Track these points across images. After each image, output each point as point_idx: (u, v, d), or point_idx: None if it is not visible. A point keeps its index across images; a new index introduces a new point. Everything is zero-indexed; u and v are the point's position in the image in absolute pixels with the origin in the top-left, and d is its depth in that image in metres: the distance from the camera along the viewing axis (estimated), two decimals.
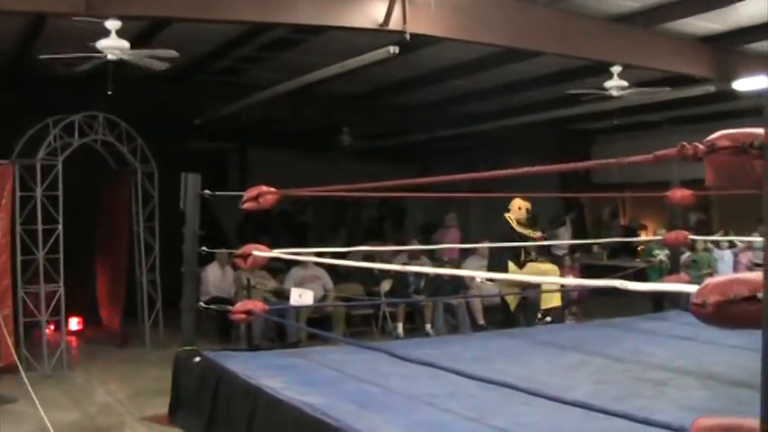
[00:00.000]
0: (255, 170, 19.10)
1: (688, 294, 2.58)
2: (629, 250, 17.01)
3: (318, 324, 11.80)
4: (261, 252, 6.18)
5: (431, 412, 4.26)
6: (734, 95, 13.29)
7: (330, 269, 12.34)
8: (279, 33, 11.68)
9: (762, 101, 2.17)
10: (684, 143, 2.74)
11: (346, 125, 18.56)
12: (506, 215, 10.58)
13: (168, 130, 15.07)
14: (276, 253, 6.46)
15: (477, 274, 11.49)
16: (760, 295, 2.21)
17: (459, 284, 13.14)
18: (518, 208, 10.54)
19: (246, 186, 6.46)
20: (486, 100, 16.53)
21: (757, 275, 2.26)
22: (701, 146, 2.63)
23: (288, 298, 10.65)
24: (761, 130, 2.26)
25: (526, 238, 10.41)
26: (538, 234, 10.75)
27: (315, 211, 21.86)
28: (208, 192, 6.19)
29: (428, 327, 12.59)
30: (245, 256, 6.17)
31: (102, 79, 10.31)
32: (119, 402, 8.70)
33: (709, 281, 2.51)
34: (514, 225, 10.45)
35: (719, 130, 2.57)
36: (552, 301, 10.68)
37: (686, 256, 13.18)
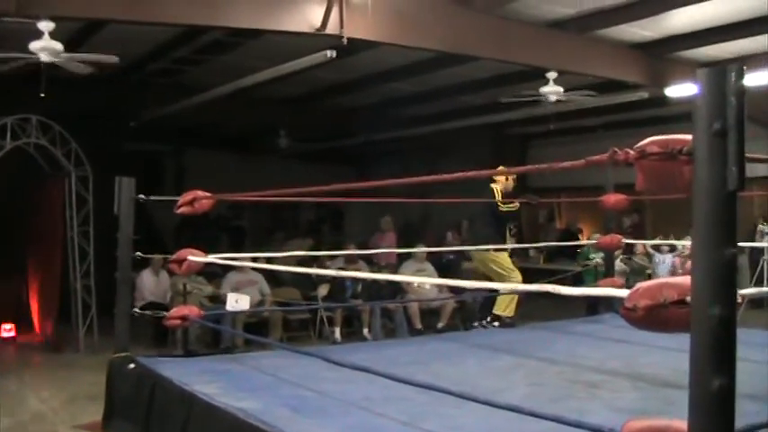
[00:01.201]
0: (192, 173, 18.99)
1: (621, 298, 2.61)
2: (567, 253, 17.18)
3: (256, 329, 11.74)
4: (196, 257, 6.12)
5: (365, 416, 4.26)
6: (667, 101, 13.51)
7: (267, 273, 12.27)
8: (216, 36, 11.64)
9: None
10: (616, 149, 2.78)
11: (284, 128, 18.54)
12: (493, 186, 10.17)
13: (103, 132, 14.90)
14: (211, 258, 6.41)
15: (414, 279, 11.51)
16: (689, 299, 2.25)
17: (397, 288, 13.16)
18: (505, 179, 10.12)
19: (183, 189, 6.38)
20: (423, 104, 16.63)
21: (686, 279, 2.29)
22: (631, 151, 2.66)
23: (225, 303, 10.60)
24: (689, 137, 2.30)
25: (507, 214, 10.22)
26: (515, 205, 10.52)
27: (252, 214, 21.77)
28: (142, 196, 6.12)
29: (366, 331, 12.59)
30: (180, 262, 6.11)
31: (35, 81, 10.17)
32: (51, 410, 8.56)
33: (639, 285, 2.54)
34: (499, 197, 10.20)
35: (653, 135, 2.61)
36: (505, 308, 10.41)
37: (621, 266, 13.33)
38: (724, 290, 2.12)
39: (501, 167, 10.32)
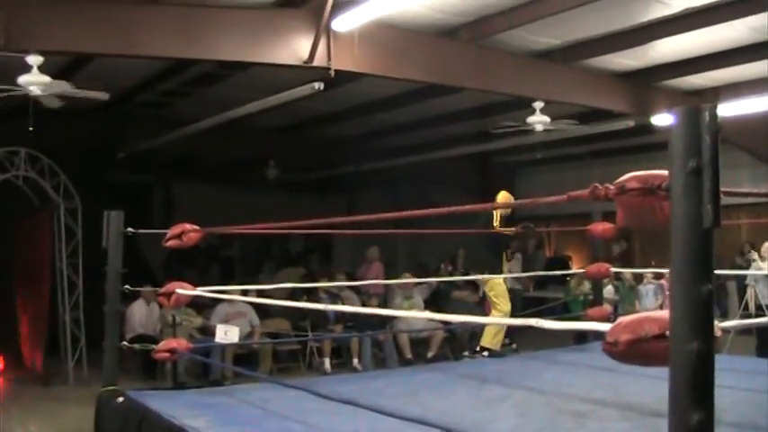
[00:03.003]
0: (181, 204, 18.95)
1: None
2: (557, 280, 17.21)
3: (245, 360, 11.72)
4: (184, 290, 6.14)
5: None
6: (652, 129, 13.60)
7: (256, 304, 12.24)
8: (204, 68, 11.67)
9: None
10: (597, 184, 2.81)
11: (272, 159, 18.55)
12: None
13: (92, 164, 14.91)
14: (200, 291, 6.42)
15: (402, 313, 11.48)
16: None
17: (385, 317, 13.10)
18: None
19: (172, 221, 6.44)
20: (410, 133, 16.69)
21: (666, 313, 2.32)
22: (611, 187, 2.70)
23: (214, 334, 10.58)
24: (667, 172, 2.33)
25: (504, 236, 10.27)
26: (512, 230, 10.54)
27: (241, 245, 21.73)
28: (131, 229, 6.15)
29: (355, 361, 12.57)
30: (169, 295, 6.13)
31: (23, 114, 10.19)
32: None
33: (621, 320, 2.57)
34: (496, 220, 10.25)
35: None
36: (491, 339, 10.26)
37: (611, 292, 13.35)
38: (701, 325, 2.15)
39: (503, 192, 10.39)
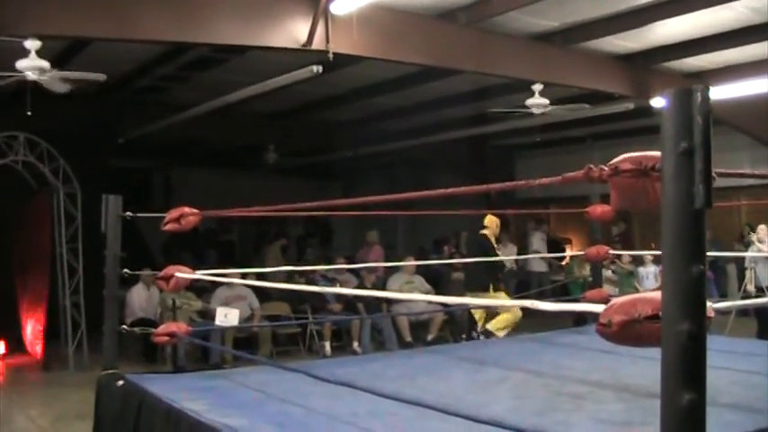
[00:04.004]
0: (180, 188, 19.00)
1: None
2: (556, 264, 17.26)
3: (245, 343, 11.75)
4: (183, 273, 6.13)
5: (350, 431, 4.28)
6: (652, 112, 13.58)
7: (256, 287, 12.27)
8: (202, 52, 11.67)
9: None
10: (591, 165, 2.80)
11: (271, 143, 18.55)
12: (483, 232, 10.55)
13: (91, 149, 14.91)
14: (198, 275, 6.41)
15: (403, 296, 11.50)
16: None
17: (383, 299, 13.13)
18: (495, 225, 10.53)
19: (171, 205, 6.42)
20: (409, 117, 16.69)
21: (660, 294, 2.32)
22: (605, 168, 2.69)
23: (214, 318, 10.61)
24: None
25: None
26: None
27: (241, 228, 21.78)
28: (129, 213, 6.14)
29: (355, 344, 12.61)
30: (168, 278, 6.12)
31: (22, 98, 10.19)
32: (39, 428, 8.54)
33: (614, 300, 2.57)
34: (494, 242, 10.44)
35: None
36: (501, 328, 10.36)
37: (611, 275, 13.37)
38: (693, 306, 2.15)
39: (490, 216, 10.55)
